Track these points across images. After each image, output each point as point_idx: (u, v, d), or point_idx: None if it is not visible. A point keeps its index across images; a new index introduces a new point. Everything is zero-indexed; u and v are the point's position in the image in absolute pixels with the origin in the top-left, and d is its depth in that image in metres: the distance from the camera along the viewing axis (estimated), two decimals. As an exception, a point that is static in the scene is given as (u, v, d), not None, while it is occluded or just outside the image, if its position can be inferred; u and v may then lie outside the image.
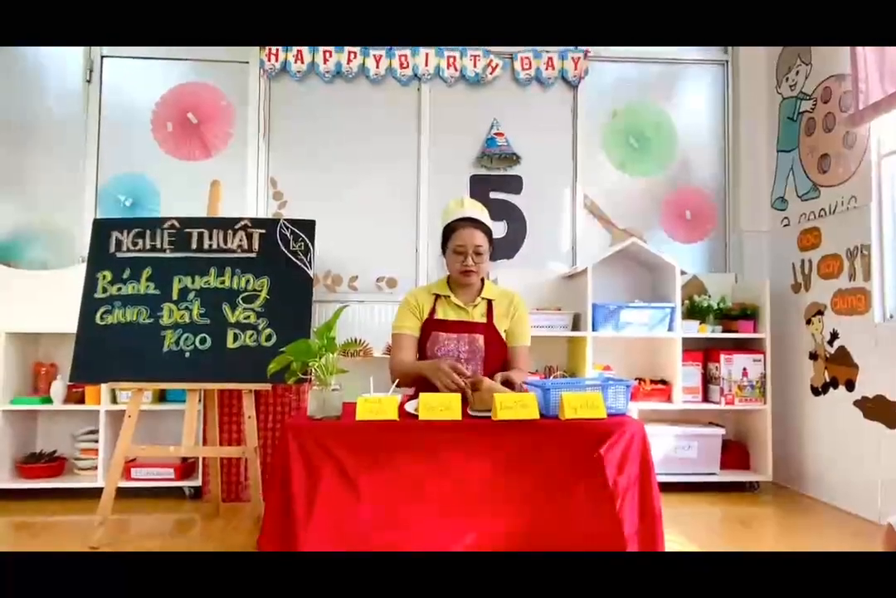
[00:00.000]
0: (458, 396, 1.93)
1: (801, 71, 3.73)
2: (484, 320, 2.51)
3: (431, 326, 2.50)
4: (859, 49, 3.09)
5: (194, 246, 3.12)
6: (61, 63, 3.92)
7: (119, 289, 3.03)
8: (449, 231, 2.49)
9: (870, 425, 3.10)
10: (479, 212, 2.53)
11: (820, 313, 3.46)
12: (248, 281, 3.07)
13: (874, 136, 3.16)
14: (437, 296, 2.56)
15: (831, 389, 3.38)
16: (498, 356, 2.50)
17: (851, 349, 3.25)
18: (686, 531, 2.88)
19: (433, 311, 2.53)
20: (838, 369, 3.33)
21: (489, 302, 2.55)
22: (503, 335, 2.52)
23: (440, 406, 1.88)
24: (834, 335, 3.36)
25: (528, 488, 1.85)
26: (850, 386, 3.24)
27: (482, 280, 2.57)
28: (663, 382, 3.75)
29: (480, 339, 2.47)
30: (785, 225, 3.83)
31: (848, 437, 3.26)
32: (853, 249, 3.23)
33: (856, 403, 3.20)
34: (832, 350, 3.37)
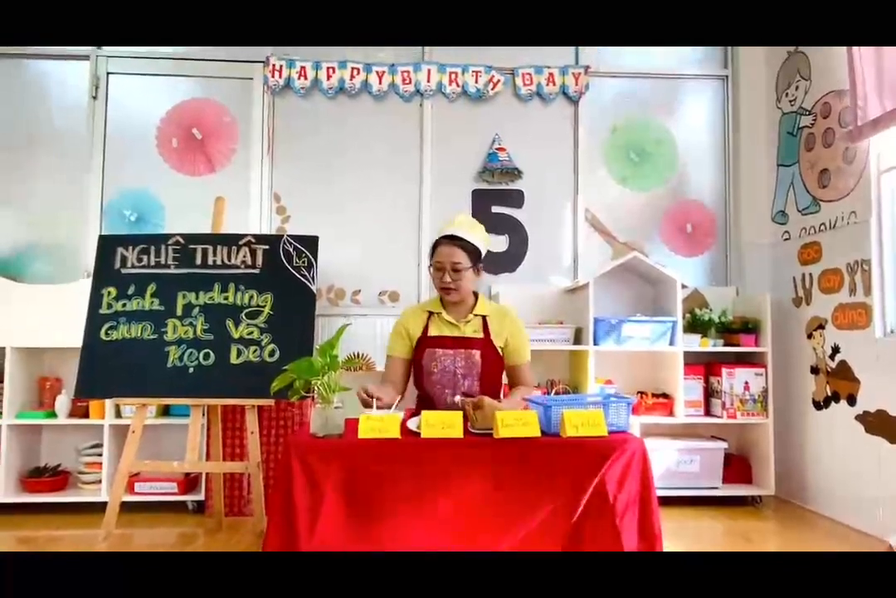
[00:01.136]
0: (459, 414, 1.95)
1: (800, 86, 3.75)
2: (479, 335, 2.50)
3: (426, 343, 2.50)
4: (857, 64, 3.10)
5: (198, 262, 3.15)
6: (67, 79, 3.97)
7: (124, 305, 3.06)
8: (433, 248, 2.53)
9: (871, 439, 3.10)
10: (467, 229, 2.50)
11: (821, 327, 3.47)
12: (251, 297, 3.09)
13: (874, 151, 3.18)
14: (431, 313, 2.56)
15: (833, 403, 3.38)
16: (495, 372, 2.51)
17: (853, 364, 3.26)
18: (688, 544, 2.88)
19: (426, 328, 2.54)
20: (840, 383, 3.33)
21: (483, 318, 2.54)
22: (500, 351, 2.53)
23: (442, 424, 1.90)
24: (835, 349, 3.36)
25: (530, 504, 1.86)
26: (851, 401, 3.24)
27: (476, 296, 2.59)
28: (665, 396, 3.75)
29: (477, 354, 2.47)
30: (785, 239, 3.84)
31: (849, 451, 3.26)
32: (853, 264, 3.25)
33: (857, 417, 3.20)
34: (833, 364, 3.38)
